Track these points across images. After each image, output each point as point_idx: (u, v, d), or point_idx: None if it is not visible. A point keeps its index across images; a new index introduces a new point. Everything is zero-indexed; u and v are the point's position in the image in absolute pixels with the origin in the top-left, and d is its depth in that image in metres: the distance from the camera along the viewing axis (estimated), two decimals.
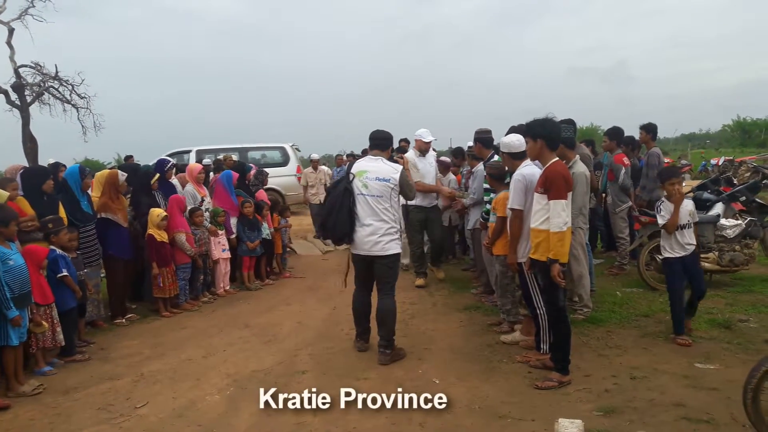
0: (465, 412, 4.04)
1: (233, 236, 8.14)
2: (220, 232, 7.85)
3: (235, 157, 11.86)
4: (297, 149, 16.38)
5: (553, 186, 4.24)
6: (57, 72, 19.71)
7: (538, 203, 4.39)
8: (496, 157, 6.19)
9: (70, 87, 20.02)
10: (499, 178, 5.56)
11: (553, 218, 4.22)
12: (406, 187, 5.07)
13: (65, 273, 5.43)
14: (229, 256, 8.03)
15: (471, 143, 7.51)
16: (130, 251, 6.84)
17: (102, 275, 6.81)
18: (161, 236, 6.88)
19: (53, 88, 19.87)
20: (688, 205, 5.21)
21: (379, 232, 4.92)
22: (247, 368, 5.10)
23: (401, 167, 5.07)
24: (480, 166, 6.67)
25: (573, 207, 5.34)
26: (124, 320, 6.72)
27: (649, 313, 5.97)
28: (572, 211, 5.32)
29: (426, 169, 7.66)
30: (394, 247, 5.00)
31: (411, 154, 7.68)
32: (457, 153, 9.52)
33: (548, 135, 4.41)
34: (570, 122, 5.79)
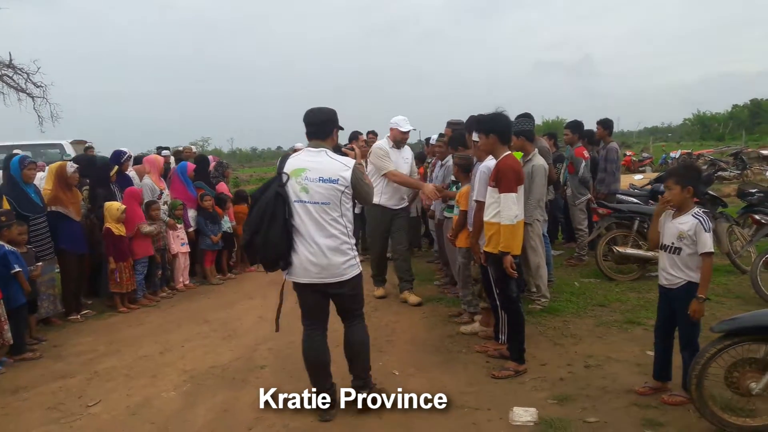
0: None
1: (192, 229, 8.02)
2: (178, 225, 7.72)
3: (193, 149, 11.65)
4: (90, 146, 14.54)
5: (503, 179, 4.29)
6: (11, 59, 19.08)
7: (491, 197, 4.44)
8: None
9: (25, 75, 19.42)
10: (465, 170, 5.53)
11: (504, 211, 4.28)
12: (361, 188, 3.74)
13: (18, 269, 5.29)
14: (188, 249, 7.91)
15: (435, 136, 7.49)
16: (84, 245, 6.68)
17: (57, 270, 6.65)
18: (119, 230, 6.74)
19: (7, 76, 19.23)
20: (684, 223, 3.74)
21: (329, 253, 3.64)
22: (205, 364, 5.03)
23: (353, 161, 3.77)
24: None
25: (531, 199, 5.43)
26: (78, 316, 6.57)
27: (605, 303, 6.06)
28: (530, 203, 5.41)
29: (399, 165, 6.44)
30: (354, 269, 3.77)
31: (383, 143, 6.52)
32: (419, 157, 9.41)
33: (499, 130, 4.46)
34: (527, 116, 5.85)
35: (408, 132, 6.52)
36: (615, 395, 3.94)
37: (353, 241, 3.83)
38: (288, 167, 3.72)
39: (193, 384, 4.62)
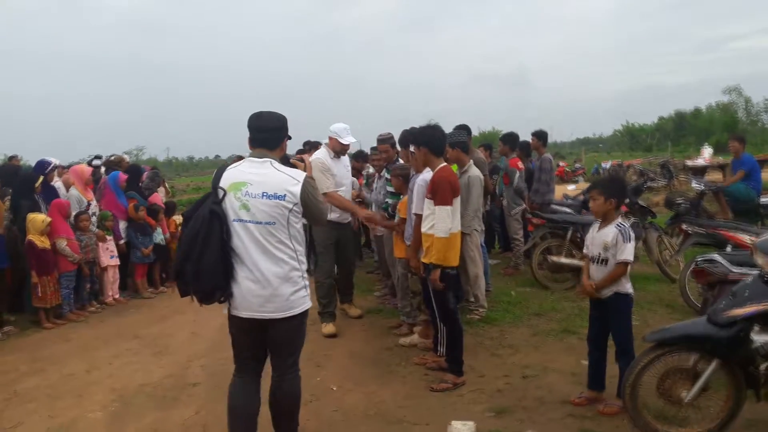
0: (360, 418, 4.02)
1: (122, 242, 7.73)
2: (108, 237, 7.42)
3: (127, 158, 11.28)
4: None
5: (438, 192, 4.29)
6: None
7: (428, 208, 4.43)
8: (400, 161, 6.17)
9: None
10: (406, 181, 5.48)
11: (438, 223, 4.27)
12: (314, 206, 3.21)
13: None
14: (118, 262, 7.61)
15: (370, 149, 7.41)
16: (5, 259, 6.33)
17: None
18: (43, 242, 6.43)
19: None
20: (608, 234, 3.84)
21: (275, 282, 3.09)
22: (134, 382, 4.83)
23: (303, 174, 3.25)
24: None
25: (469, 209, 5.47)
26: (0, 334, 6.21)
27: (540, 312, 6.16)
28: (468, 214, 5.45)
29: (342, 175, 5.96)
30: (302, 301, 3.20)
31: (323, 153, 5.90)
32: (358, 156, 9.39)
33: (430, 142, 4.46)
34: (464, 128, 5.91)
35: (348, 145, 5.99)
36: (551, 406, 3.99)
37: (304, 267, 3.25)
38: (225, 180, 3.15)
39: (122, 403, 4.44)
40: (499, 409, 3.98)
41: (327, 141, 5.99)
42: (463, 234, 4.99)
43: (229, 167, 3.28)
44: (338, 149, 5.90)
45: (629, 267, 3.82)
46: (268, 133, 3.24)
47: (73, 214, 7.04)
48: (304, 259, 3.25)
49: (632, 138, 53.08)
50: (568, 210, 8.18)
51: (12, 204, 6.83)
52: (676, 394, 3.38)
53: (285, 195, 3.08)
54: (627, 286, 3.84)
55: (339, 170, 5.89)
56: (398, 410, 4.07)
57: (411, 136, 4.66)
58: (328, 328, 5.84)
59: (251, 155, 3.25)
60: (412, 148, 5.00)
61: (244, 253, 3.09)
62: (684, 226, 6.83)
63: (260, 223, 3.07)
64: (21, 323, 6.65)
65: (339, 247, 6.06)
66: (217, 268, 3.04)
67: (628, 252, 3.75)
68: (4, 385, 4.88)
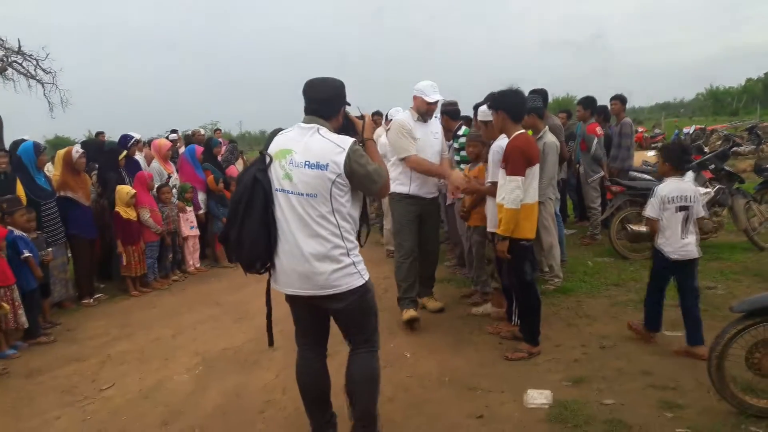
0: (435, 385, 4.03)
1: (202, 212, 8.01)
2: (188, 208, 7.70)
3: (203, 132, 11.62)
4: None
5: (510, 161, 4.17)
6: (20, 46, 19.10)
7: (501, 178, 4.31)
8: (463, 128, 6.08)
9: (34, 62, 19.43)
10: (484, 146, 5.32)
11: (507, 194, 4.15)
12: (363, 176, 2.88)
13: (27, 254, 5.29)
14: (198, 233, 7.91)
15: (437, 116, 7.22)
16: (94, 230, 6.69)
17: (69, 254, 6.67)
18: (128, 214, 6.74)
19: (17, 62, 19.26)
20: None
21: (312, 259, 2.85)
22: (217, 346, 5.04)
23: (351, 140, 2.91)
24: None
25: (544, 177, 5.29)
26: (92, 300, 6.61)
27: (619, 282, 5.99)
28: (543, 182, 5.28)
29: (427, 142, 5.21)
30: (349, 279, 2.92)
31: (405, 116, 5.27)
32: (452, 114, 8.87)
33: (509, 106, 4.27)
34: (539, 92, 5.72)
35: (435, 103, 5.22)
36: (630, 377, 3.88)
37: (352, 245, 2.96)
38: (273, 146, 2.96)
39: (205, 366, 4.64)
40: (577, 379, 3.90)
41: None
42: (538, 203, 4.85)
43: (281, 132, 3.05)
44: (423, 110, 5.18)
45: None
46: (321, 103, 3.00)
47: (156, 186, 7.33)
48: (351, 235, 2.96)
49: (716, 102, 50.18)
50: (648, 177, 7.85)
51: (99, 177, 7.15)
52: (766, 366, 3.22)
53: (328, 164, 2.81)
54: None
55: (424, 135, 5.19)
56: (473, 378, 4.06)
57: (488, 99, 4.47)
58: (408, 313, 5.14)
59: (303, 121, 3.01)
60: (482, 115, 4.89)
61: (285, 225, 2.89)
62: None
63: (301, 194, 2.84)
64: (110, 291, 7.06)
65: (423, 225, 5.34)
66: (258, 238, 2.89)
67: (647, 208, 4.34)
68: (98, 348, 5.20)
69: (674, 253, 4.17)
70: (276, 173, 2.90)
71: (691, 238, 4.20)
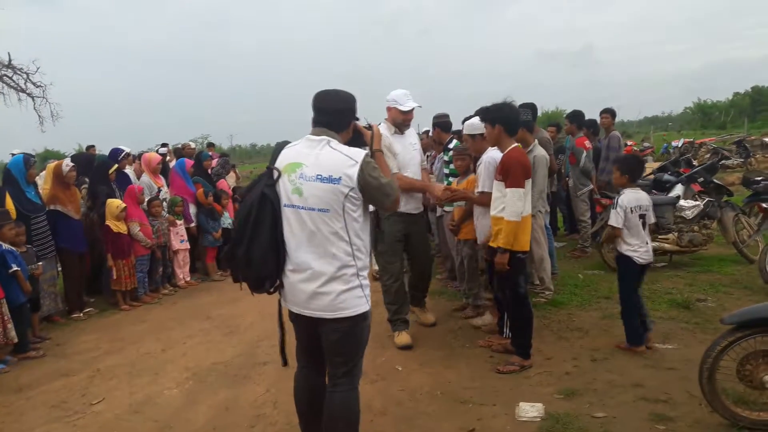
0: (427, 398, 4.02)
1: (193, 225, 7.99)
2: (178, 222, 7.68)
3: (193, 145, 11.62)
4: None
5: (510, 174, 4.17)
6: (10, 60, 19.03)
7: (498, 191, 4.32)
8: (454, 142, 6.12)
9: (24, 75, 19.36)
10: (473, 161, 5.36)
11: (509, 207, 4.16)
12: (376, 189, 2.75)
13: (16, 268, 5.25)
14: (188, 246, 7.87)
15: (428, 129, 7.26)
16: (83, 244, 6.64)
17: (59, 268, 6.63)
18: (118, 227, 6.70)
19: (6, 76, 19.18)
20: None
21: (322, 278, 2.71)
22: (207, 361, 5.00)
23: (364, 153, 2.78)
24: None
25: (534, 191, 5.29)
26: (81, 314, 6.56)
27: (609, 295, 5.99)
28: (533, 195, 5.27)
29: (407, 155, 5.04)
30: (355, 302, 2.77)
31: (382, 130, 4.55)
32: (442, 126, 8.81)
33: (506, 120, 4.28)
34: (529, 106, 5.76)
35: (411, 111, 4.98)
36: (622, 389, 3.89)
37: (362, 264, 2.81)
38: (281, 160, 2.83)
39: (195, 381, 4.60)
40: (568, 392, 3.90)
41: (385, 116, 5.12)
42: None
43: (288, 145, 2.89)
44: (399, 120, 4.97)
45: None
46: (331, 116, 2.85)
47: (146, 200, 7.31)
48: (363, 254, 2.81)
49: (704, 115, 50.56)
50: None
51: (90, 191, 7.11)
52: (757, 379, 3.23)
53: (340, 178, 2.66)
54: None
55: (403, 149, 5.01)
56: (464, 391, 4.05)
57: (483, 112, 4.48)
58: (402, 337, 5.03)
59: (311, 133, 2.86)
60: (469, 129, 4.92)
61: (293, 242, 2.75)
62: (764, 205, 6.50)
63: (313, 209, 2.69)
64: (100, 305, 7.00)
65: (411, 242, 5.19)
66: (267, 257, 2.74)
67: (612, 217, 4.53)
68: (88, 363, 5.15)
69: (640, 258, 4.48)
70: (285, 188, 2.76)
71: (650, 243, 4.60)
